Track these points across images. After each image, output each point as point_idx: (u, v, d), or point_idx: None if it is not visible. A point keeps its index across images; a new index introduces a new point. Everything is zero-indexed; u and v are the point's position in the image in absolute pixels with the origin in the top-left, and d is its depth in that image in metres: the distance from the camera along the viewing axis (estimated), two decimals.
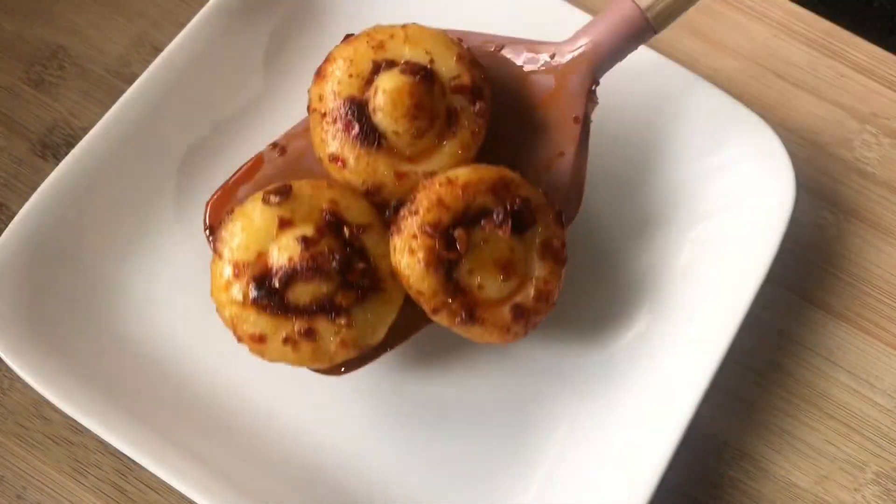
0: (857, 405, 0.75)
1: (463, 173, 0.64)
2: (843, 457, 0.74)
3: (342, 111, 0.64)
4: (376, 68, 0.64)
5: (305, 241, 0.61)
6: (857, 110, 0.85)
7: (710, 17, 0.88)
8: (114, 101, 0.72)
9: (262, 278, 0.61)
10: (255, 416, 0.69)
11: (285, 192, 0.62)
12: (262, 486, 0.67)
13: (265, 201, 0.62)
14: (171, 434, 0.67)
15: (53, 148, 0.80)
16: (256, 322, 0.61)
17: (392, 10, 0.79)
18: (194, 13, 0.77)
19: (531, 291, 0.64)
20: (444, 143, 0.65)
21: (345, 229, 0.62)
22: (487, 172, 0.64)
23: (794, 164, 0.73)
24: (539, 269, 0.65)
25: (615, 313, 0.74)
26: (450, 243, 0.62)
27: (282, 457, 0.68)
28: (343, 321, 0.61)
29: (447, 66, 0.65)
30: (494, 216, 0.63)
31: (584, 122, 0.70)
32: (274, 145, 0.69)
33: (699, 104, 0.77)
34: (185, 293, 0.73)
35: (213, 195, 0.68)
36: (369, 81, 0.64)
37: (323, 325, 0.61)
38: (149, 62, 0.75)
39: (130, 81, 0.74)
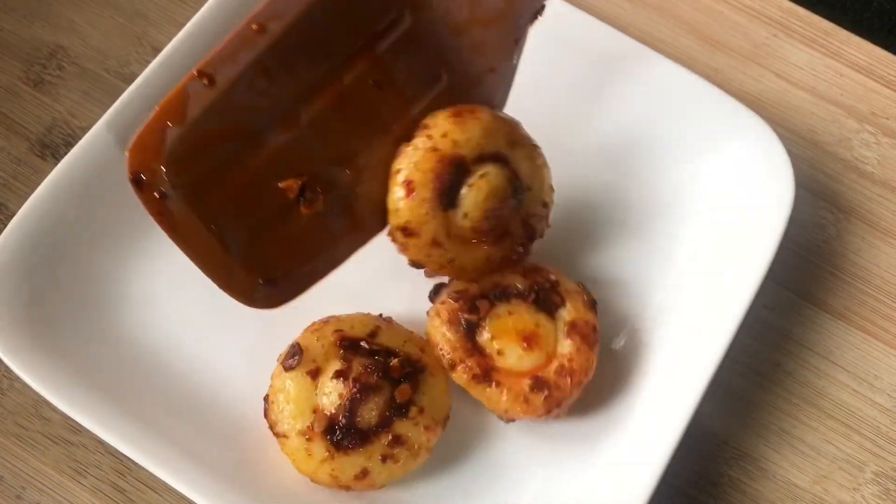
0: (857, 405, 0.75)
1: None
2: (842, 456, 0.74)
3: (445, 163, 0.64)
4: (494, 157, 0.66)
5: (341, 375, 0.64)
6: (856, 109, 0.85)
7: (709, 17, 0.87)
8: (113, 101, 0.71)
9: (331, 427, 0.64)
10: (256, 417, 0.68)
11: (298, 351, 0.65)
12: (261, 487, 0.66)
13: (287, 368, 0.65)
14: (170, 434, 0.66)
15: (52, 148, 0.80)
16: (354, 462, 0.64)
17: None
18: (193, 13, 0.77)
19: (554, 367, 0.67)
20: (483, 246, 0.67)
21: (361, 343, 0.66)
22: (522, 263, 0.70)
23: (793, 163, 0.73)
24: (565, 348, 0.68)
25: (614, 313, 0.74)
26: (473, 309, 0.68)
27: (283, 458, 0.67)
28: (415, 411, 0.65)
29: (537, 199, 0.69)
30: (518, 291, 0.68)
31: (522, 41, 0.69)
32: (200, 74, 0.60)
33: (698, 104, 0.76)
34: (184, 293, 0.72)
35: (134, 139, 0.61)
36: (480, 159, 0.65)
37: (403, 428, 0.65)
38: (148, 62, 0.74)
39: (130, 81, 0.74)
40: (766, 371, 0.76)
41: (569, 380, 0.67)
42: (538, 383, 0.66)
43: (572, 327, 0.68)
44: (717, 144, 0.76)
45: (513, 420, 0.68)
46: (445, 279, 0.72)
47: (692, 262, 0.74)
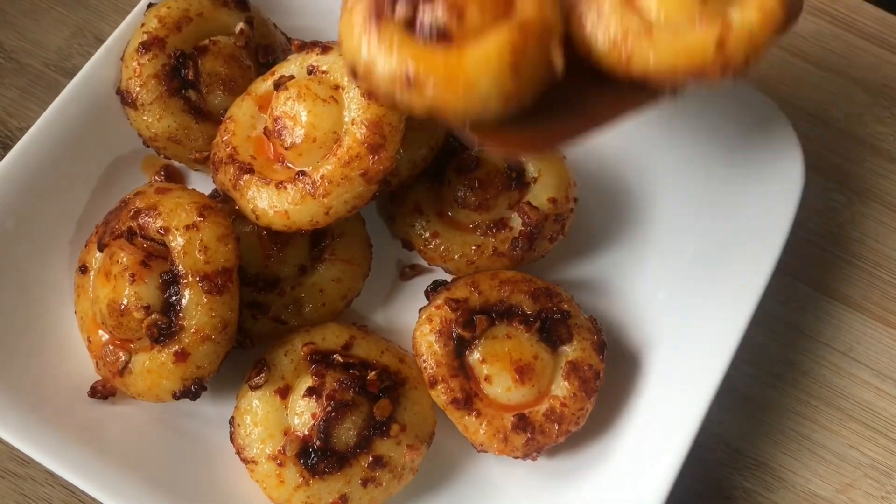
0: (881, 405, 0.72)
1: (511, 273, 0.66)
2: (867, 462, 0.71)
3: None
4: None
5: (314, 393, 0.62)
6: (868, 82, 0.82)
7: None
8: (54, 98, 0.69)
9: (305, 449, 0.61)
10: (223, 441, 0.65)
11: (265, 368, 0.63)
12: None
13: (253, 388, 0.63)
14: (127, 463, 0.63)
15: None
16: (331, 488, 0.61)
17: None
18: (138, 0, 0.74)
19: (543, 408, 0.64)
20: (475, 233, 0.68)
21: (334, 356, 0.63)
22: (536, 281, 0.67)
23: (801, 142, 0.70)
24: (560, 389, 0.64)
25: (615, 312, 0.71)
26: (468, 325, 0.64)
27: (253, 486, 0.63)
28: (396, 429, 0.63)
29: (542, 193, 0.69)
30: (523, 314, 0.65)
31: None
32: None
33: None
34: None
35: None
36: None
37: (384, 447, 0.62)
38: (91, 54, 0.72)
39: (72, 75, 0.71)
40: (780, 371, 0.73)
41: (556, 427, 0.63)
42: (522, 423, 0.63)
43: (573, 368, 0.65)
44: (717, 125, 0.73)
45: (486, 452, 0.65)
46: (446, 276, 0.70)
47: (697, 254, 0.71)
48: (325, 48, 0.65)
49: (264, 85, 0.66)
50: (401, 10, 0.51)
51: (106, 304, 0.61)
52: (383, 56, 0.51)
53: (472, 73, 0.51)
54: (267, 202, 0.62)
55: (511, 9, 0.52)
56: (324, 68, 0.64)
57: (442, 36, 0.51)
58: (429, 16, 0.51)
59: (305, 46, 0.67)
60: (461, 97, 0.51)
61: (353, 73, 0.53)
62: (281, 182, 0.62)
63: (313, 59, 0.65)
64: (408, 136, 0.65)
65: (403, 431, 0.62)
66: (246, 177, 0.63)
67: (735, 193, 0.72)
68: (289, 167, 0.63)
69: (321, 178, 0.61)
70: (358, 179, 0.61)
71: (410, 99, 0.52)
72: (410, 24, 0.52)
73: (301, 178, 0.61)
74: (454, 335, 0.64)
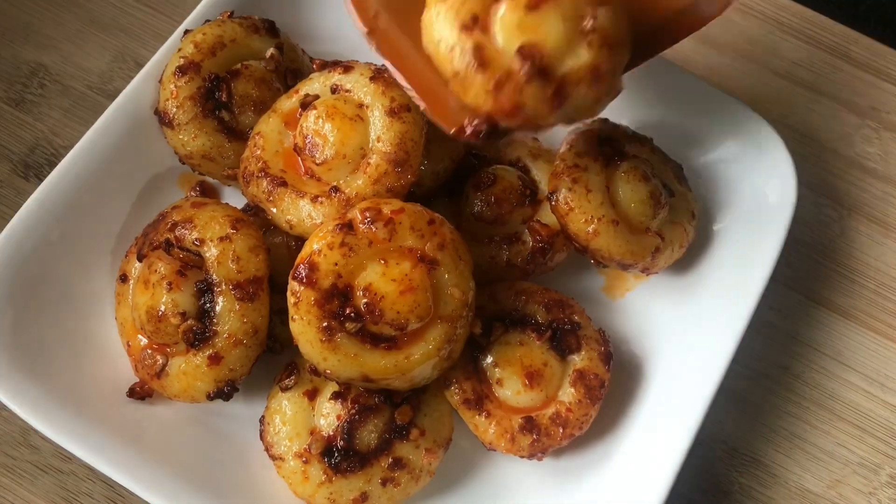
0: (869, 406, 0.74)
1: (528, 284, 0.68)
2: (856, 460, 0.72)
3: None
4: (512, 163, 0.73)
5: (340, 396, 0.63)
6: (856, 104, 0.84)
7: None
8: (96, 118, 0.71)
9: (329, 449, 0.63)
10: (254, 439, 0.67)
11: (295, 371, 0.65)
12: None
13: (283, 389, 0.64)
14: (164, 458, 0.65)
15: (36, 168, 0.78)
16: (353, 486, 0.63)
17: None
18: (176, 26, 0.76)
19: (550, 412, 0.65)
20: (490, 245, 0.70)
21: None
22: (552, 293, 0.68)
23: (794, 160, 0.72)
24: (566, 395, 0.66)
25: (614, 318, 0.72)
26: (486, 329, 0.66)
27: (281, 481, 0.65)
28: (415, 433, 0.64)
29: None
30: (536, 323, 0.67)
31: None
32: None
33: (695, 103, 0.75)
34: None
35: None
36: None
37: (403, 450, 0.63)
38: (131, 77, 0.73)
39: (113, 97, 0.72)
40: (774, 375, 0.74)
41: (561, 430, 0.65)
42: (529, 425, 0.65)
43: (580, 376, 0.66)
44: (716, 144, 0.75)
45: (494, 450, 0.66)
46: None
47: (695, 264, 0.73)
48: (347, 68, 0.67)
49: (289, 102, 0.68)
50: (351, 326, 0.60)
51: (144, 310, 0.63)
52: (343, 366, 0.60)
53: (419, 367, 0.61)
54: (303, 214, 0.64)
55: (437, 301, 0.61)
56: (347, 87, 0.66)
57: (388, 339, 0.61)
58: (376, 330, 0.60)
59: (327, 66, 0.69)
60: (408, 382, 0.62)
61: (314, 371, 0.62)
62: (316, 196, 0.64)
63: (336, 78, 0.67)
64: (431, 149, 0.67)
65: (423, 436, 0.63)
66: (280, 189, 0.65)
67: (732, 209, 0.73)
68: (319, 181, 0.65)
69: (355, 195, 0.63)
70: (386, 195, 0.63)
71: (367, 386, 0.62)
72: (359, 332, 0.60)
73: (336, 193, 0.63)
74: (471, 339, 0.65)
